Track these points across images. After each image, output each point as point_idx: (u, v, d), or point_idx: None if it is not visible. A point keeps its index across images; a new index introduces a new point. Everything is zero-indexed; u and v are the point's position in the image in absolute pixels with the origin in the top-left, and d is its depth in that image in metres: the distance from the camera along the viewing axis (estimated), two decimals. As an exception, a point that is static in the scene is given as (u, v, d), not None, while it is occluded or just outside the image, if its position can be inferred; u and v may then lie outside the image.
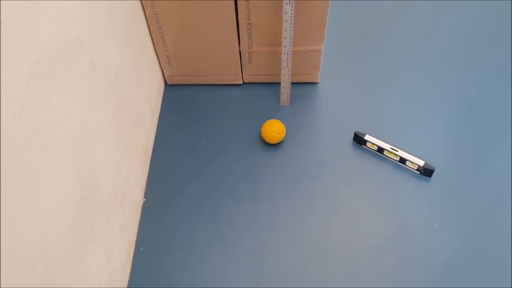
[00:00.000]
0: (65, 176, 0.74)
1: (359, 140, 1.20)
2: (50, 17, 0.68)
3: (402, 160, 1.15)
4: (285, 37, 1.11)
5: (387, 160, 1.18)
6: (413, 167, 1.15)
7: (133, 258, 1.04)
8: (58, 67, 0.71)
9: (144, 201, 1.13)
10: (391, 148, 1.16)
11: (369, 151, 1.20)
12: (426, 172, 1.13)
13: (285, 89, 1.26)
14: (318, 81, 1.33)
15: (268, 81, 1.33)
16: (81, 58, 0.79)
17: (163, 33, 1.19)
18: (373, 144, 1.17)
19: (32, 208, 0.64)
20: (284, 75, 1.22)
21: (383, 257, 1.04)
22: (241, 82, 1.34)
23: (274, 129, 1.19)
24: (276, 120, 1.21)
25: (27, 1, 0.62)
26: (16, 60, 0.60)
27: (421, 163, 1.13)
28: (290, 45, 1.13)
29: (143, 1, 1.11)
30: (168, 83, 1.35)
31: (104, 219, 0.90)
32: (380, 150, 1.17)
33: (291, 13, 1.06)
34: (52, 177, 0.70)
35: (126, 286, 1.00)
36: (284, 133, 1.21)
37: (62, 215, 0.73)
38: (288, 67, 1.19)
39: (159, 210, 1.12)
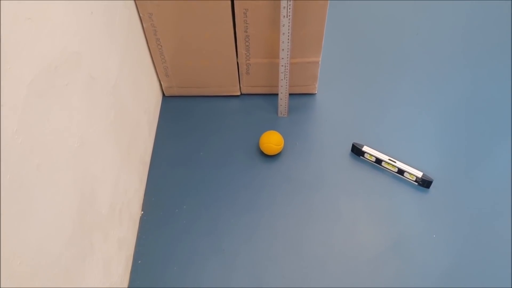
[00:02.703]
0: (63, 191, 0.73)
1: (357, 151, 1.20)
2: (48, 33, 0.68)
3: (400, 171, 1.15)
4: (283, 49, 1.12)
5: (385, 171, 1.18)
6: (411, 178, 1.15)
7: (131, 272, 1.04)
8: (56, 82, 0.71)
9: (142, 214, 1.12)
10: (389, 159, 1.16)
11: (367, 162, 1.20)
12: (424, 183, 1.13)
13: (283, 100, 1.26)
14: (316, 92, 1.34)
15: (266, 92, 1.34)
16: (79, 72, 0.79)
17: (161, 45, 1.19)
18: (371, 155, 1.17)
19: (30, 224, 0.64)
20: (281, 86, 1.22)
21: (382, 268, 1.03)
22: (239, 93, 1.34)
23: (272, 141, 1.19)
24: (274, 131, 1.21)
25: (25, 18, 0.62)
26: (14, 77, 0.60)
27: (419, 174, 1.13)
28: (287, 57, 1.14)
29: (141, 14, 1.11)
30: (166, 94, 1.35)
31: (102, 233, 0.89)
32: (378, 161, 1.17)
33: (289, 26, 1.06)
34: (50, 192, 0.69)
35: (124, 300, 1.00)
36: (282, 145, 1.21)
37: (60, 230, 0.73)
38: (285, 78, 1.20)
39: (157, 223, 1.11)
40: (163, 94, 1.35)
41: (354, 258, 1.05)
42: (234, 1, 1.08)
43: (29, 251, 0.64)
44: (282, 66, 1.16)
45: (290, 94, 1.26)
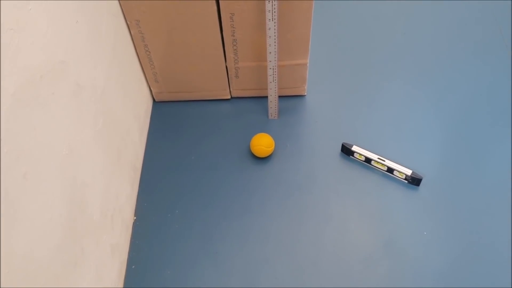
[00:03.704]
0: (51, 199, 0.74)
1: (346, 151, 1.21)
2: (32, 43, 0.69)
3: (390, 170, 1.16)
4: (270, 53, 1.13)
5: (375, 170, 1.19)
6: (400, 177, 1.16)
7: (124, 277, 1.04)
8: (42, 92, 0.72)
9: (135, 220, 1.13)
10: (378, 158, 1.17)
11: (357, 161, 1.21)
12: (414, 181, 1.14)
13: (273, 102, 1.27)
14: (305, 93, 1.35)
15: (256, 95, 1.35)
16: (65, 81, 0.80)
17: (149, 52, 1.20)
18: (360, 154, 1.18)
19: (17, 233, 0.65)
20: (271, 89, 1.23)
21: (374, 267, 1.04)
22: (229, 97, 1.35)
23: (262, 143, 1.20)
24: (264, 133, 1.22)
25: (7, 29, 0.63)
26: (-2, 87, 0.61)
27: (409, 172, 1.14)
28: (275, 60, 1.15)
29: (128, 21, 1.12)
30: (156, 100, 1.36)
31: (93, 239, 0.90)
32: (368, 160, 1.18)
33: (275, 29, 1.07)
34: (38, 201, 0.70)
35: (118, 305, 1.00)
36: (273, 147, 1.21)
37: (49, 238, 0.73)
38: (274, 81, 1.20)
39: (150, 228, 1.12)
40: (153, 100, 1.36)
41: (346, 258, 1.06)
42: (220, 6, 1.09)
43: (17, 259, 0.64)
44: (270, 69, 1.17)
45: (280, 96, 1.27)
